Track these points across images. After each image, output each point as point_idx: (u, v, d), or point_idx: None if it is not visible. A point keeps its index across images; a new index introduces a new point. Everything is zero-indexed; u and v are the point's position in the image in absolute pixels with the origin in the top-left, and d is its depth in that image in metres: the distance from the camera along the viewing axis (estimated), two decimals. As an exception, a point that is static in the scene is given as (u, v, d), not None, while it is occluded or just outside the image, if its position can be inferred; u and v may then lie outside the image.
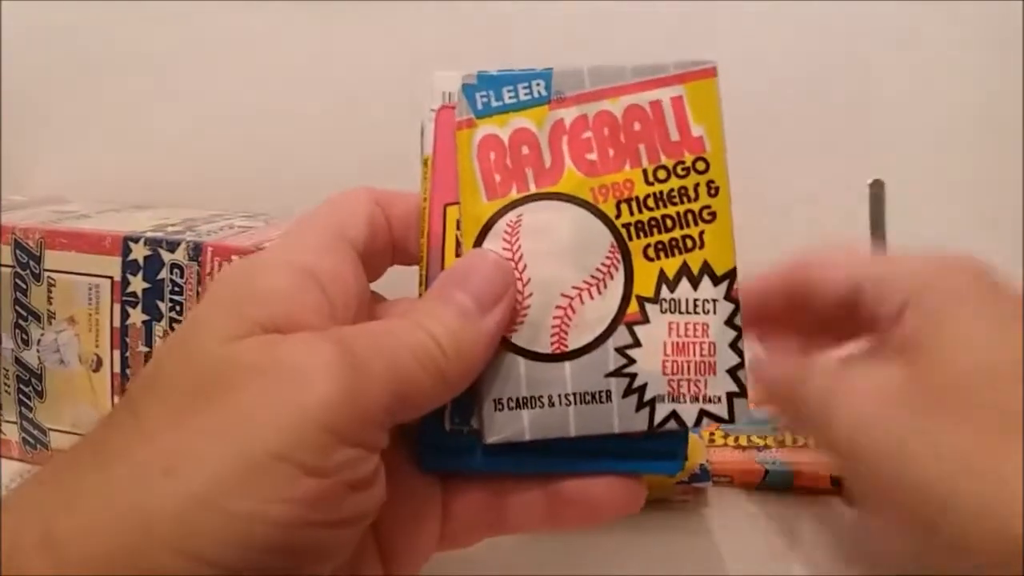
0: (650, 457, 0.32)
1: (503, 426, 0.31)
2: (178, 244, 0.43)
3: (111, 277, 0.44)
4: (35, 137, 0.60)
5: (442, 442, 0.32)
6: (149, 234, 0.43)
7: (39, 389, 0.46)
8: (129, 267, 0.43)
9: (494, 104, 0.32)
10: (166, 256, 0.43)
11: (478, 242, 0.32)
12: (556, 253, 0.31)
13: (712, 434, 0.50)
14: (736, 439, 0.50)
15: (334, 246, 0.31)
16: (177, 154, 0.60)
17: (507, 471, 0.32)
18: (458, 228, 0.32)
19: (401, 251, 0.34)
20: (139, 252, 0.43)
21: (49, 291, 0.45)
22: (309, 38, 0.59)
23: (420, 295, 0.33)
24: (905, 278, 0.36)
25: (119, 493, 0.24)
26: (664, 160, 0.32)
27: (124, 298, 0.43)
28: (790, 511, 0.46)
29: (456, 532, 0.33)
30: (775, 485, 0.48)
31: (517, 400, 0.31)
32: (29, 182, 0.59)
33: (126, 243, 0.43)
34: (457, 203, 0.32)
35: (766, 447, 0.50)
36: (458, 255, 0.32)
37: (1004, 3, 0.57)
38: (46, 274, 0.44)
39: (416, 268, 0.33)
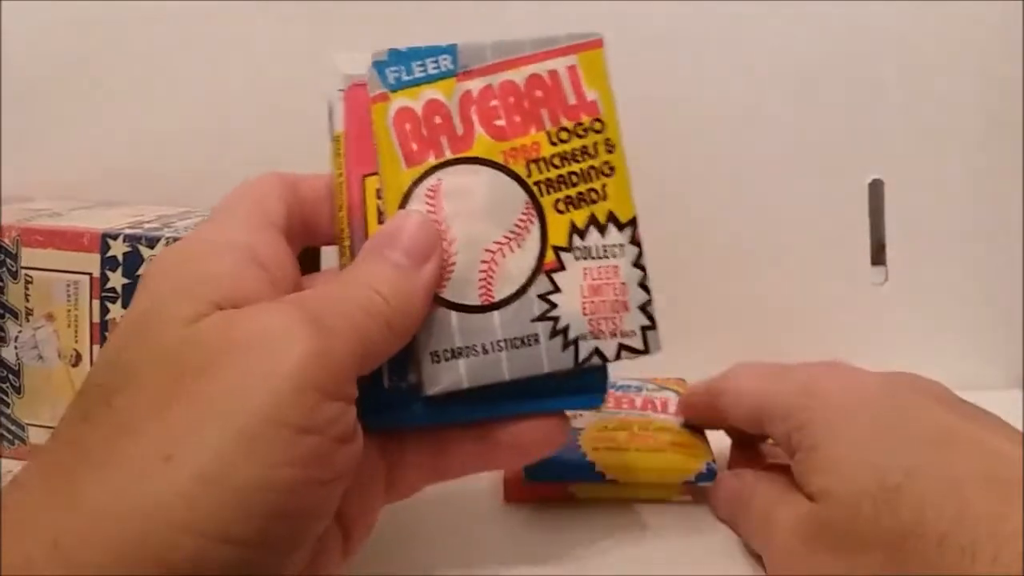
0: (575, 393, 0.35)
1: (442, 377, 0.33)
2: (157, 240, 0.43)
3: (90, 273, 0.44)
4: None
5: (381, 400, 0.33)
6: (127, 231, 0.44)
7: (17, 385, 0.46)
8: (108, 263, 0.44)
9: (405, 78, 0.34)
10: (145, 252, 0.43)
11: (401, 207, 0.33)
12: (476, 212, 0.34)
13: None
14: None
15: (263, 226, 0.32)
16: (143, 152, 0.59)
17: (446, 421, 0.34)
18: (379, 197, 0.34)
19: (313, 231, 0.35)
20: (118, 248, 0.44)
21: (26, 288, 0.45)
22: (285, 39, 0.57)
23: (342, 267, 0.34)
24: (782, 410, 0.38)
25: (122, 488, 0.25)
26: (565, 122, 0.35)
27: (103, 294, 0.44)
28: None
29: (400, 486, 0.35)
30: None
31: (452, 351, 0.33)
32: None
33: (104, 240, 0.44)
34: (374, 174, 0.34)
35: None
36: (380, 223, 0.34)
37: (1004, 3, 0.57)
38: (23, 271, 0.45)
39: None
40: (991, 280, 0.58)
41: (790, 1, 0.57)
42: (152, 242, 0.43)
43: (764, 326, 0.60)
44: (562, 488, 0.43)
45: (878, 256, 0.59)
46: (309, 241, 0.36)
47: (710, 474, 0.43)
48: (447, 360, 0.33)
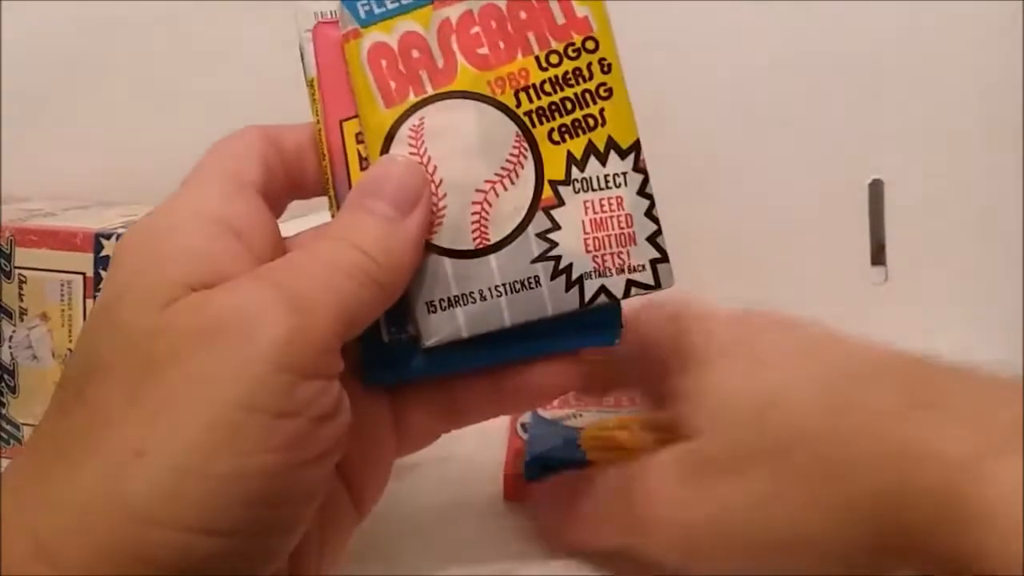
0: (586, 332, 0.32)
1: (439, 327, 0.31)
2: (150, 238, 0.40)
3: (83, 273, 0.43)
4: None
5: (382, 355, 0.32)
6: (121, 230, 0.43)
7: (12, 385, 0.45)
8: (101, 263, 0.43)
9: (377, 11, 0.31)
10: (138, 251, 0.40)
11: (383, 151, 0.31)
12: (463, 150, 0.31)
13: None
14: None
15: (236, 191, 0.30)
16: (142, 153, 0.58)
17: (450, 371, 0.32)
18: (359, 142, 0.32)
19: (299, 184, 0.33)
20: (111, 248, 0.43)
21: (20, 288, 0.44)
22: (285, 39, 0.56)
23: (333, 217, 0.32)
24: (653, 345, 0.36)
25: (96, 486, 0.24)
26: (554, 44, 0.32)
27: (96, 293, 0.43)
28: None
29: (412, 436, 0.33)
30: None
31: (449, 299, 0.31)
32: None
33: (98, 239, 0.43)
34: (353, 117, 0.32)
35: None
36: (363, 169, 0.32)
37: (1004, 3, 0.56)
38: (17, 271, 0.44)
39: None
40: (991, 280, 0.57)
41: (790, 1, 0.56)
42: (146, 241, 0.42)
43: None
44: (562, 487, 0.42)
45: (878, 256, 0.58)
46: (297, 195, 0.34)
47: None
48: (444, 309, 0.31)
